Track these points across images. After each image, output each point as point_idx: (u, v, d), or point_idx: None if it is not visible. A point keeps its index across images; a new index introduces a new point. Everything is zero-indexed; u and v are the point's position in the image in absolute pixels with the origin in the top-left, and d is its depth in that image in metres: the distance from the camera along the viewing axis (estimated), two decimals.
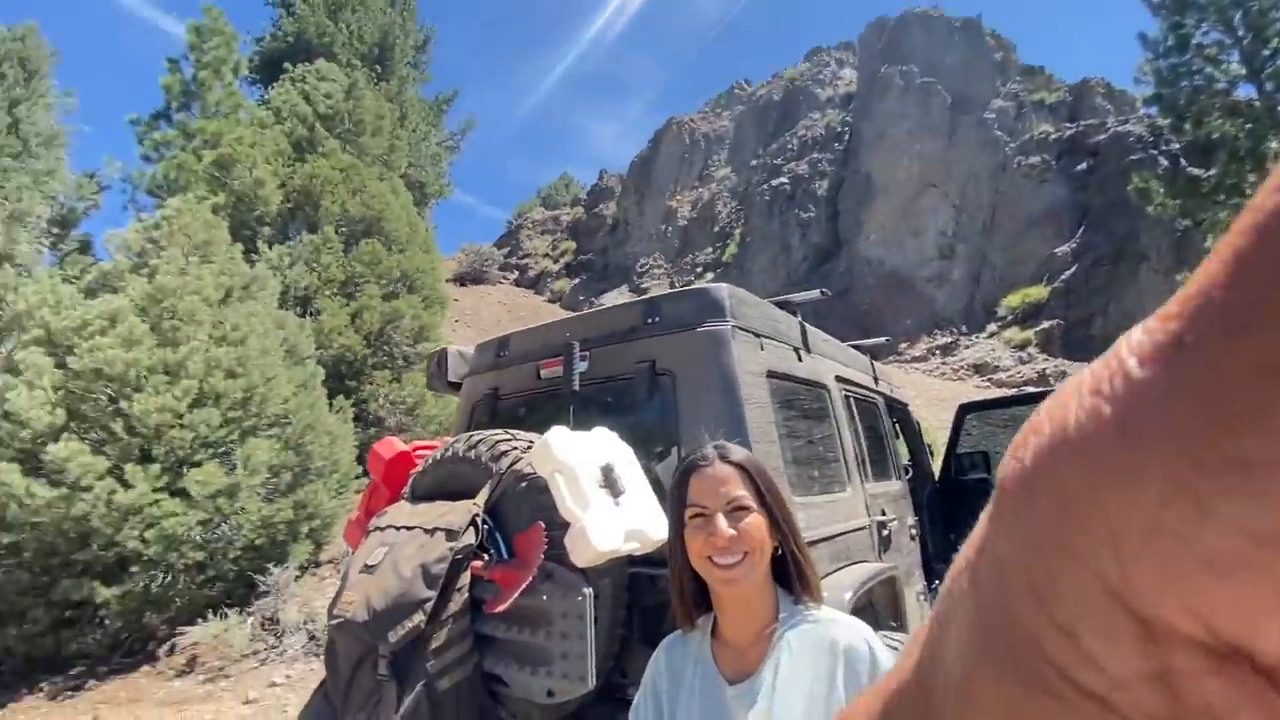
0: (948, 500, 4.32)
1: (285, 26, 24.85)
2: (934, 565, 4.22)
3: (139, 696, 5.95)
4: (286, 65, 18.23)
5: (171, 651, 6.79)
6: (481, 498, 1.98)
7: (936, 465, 4.67)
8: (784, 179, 29.72)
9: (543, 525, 1.83)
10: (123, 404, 7.14)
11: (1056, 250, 23.10)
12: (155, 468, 6.98)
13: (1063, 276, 22.33)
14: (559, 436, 1.88)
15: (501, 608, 1.72)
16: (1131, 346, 0.17)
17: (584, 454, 1.89)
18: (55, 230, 16.30)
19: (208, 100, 18.55)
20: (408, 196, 15.22)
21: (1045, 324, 21.43)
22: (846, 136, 29.88)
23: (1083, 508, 0.16)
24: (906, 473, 4.50)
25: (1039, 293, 22.48)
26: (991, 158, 25.78)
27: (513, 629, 1.77)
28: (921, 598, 3.48)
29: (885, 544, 2.98)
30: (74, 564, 6.63)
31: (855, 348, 3.93)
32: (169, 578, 6.91)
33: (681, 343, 2.35)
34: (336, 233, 12.84)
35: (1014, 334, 21.83)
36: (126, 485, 6.73)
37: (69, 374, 7.03)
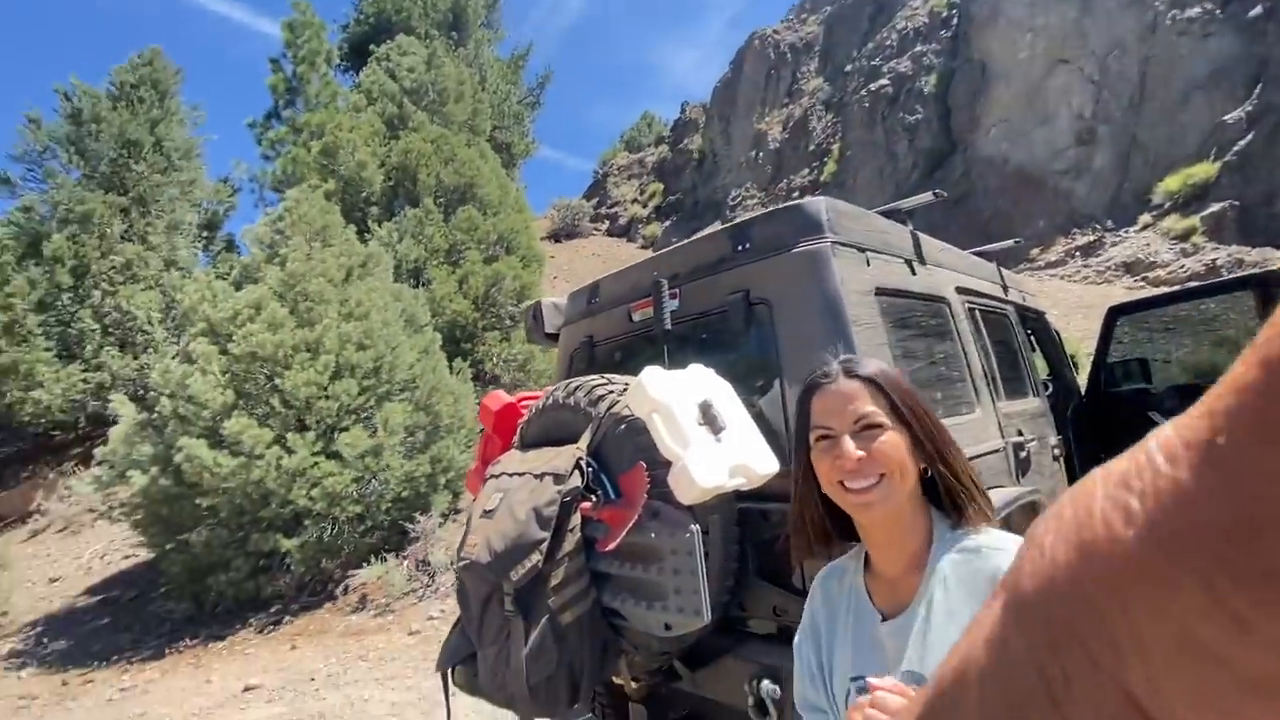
0: (1098, 415, 3.86)
1: (365, 9, 25.63)
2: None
3: (325, 629, 6.89)
4: (371, 47, 18.90)
5: (345, 591, 7.76)
6: (584, 442, 1.99)
7: (1083, 378, 4.18)
8: (884, 81, 27.09)
9: (644, 465, 1.80)
10: (277, 381, 8.01)
11: (1226, 117, 19.51)
12: (310, 435, 7.84)
13: (1235, 148, 18.91)
14: (653, 377, 1.82)
15: (610, 546, 1.73)
16: (1161, 443, 0.18)
17: (680, 392, 1.83)
18: (205, 234, 18.35)
19: (308, 93, 19.72)
20: (496, 160, 15.52)
21: (1214, 207, 18.37)
22: (954, 21, 26.51)
23: (1107, 610, 0.16)
24: (1046, 388, 4.08)
25: (1205, 170, 19.23)
26: (1138, 18, 21.91)
27: (626, 566, 1.78)
28: None
29: (1024, 466, 2.71)
30: (260, 520, 7.68)
31: (979, 254, 3.53)
32: (335, 528, 7.84)
33: (776, 267, 2.19)
34: (435, 204, 13.40)
35: (1173, 223, 18.94)
36: (290, 451, 7.63)
37: (231, 359, 7.95)
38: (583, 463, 1.91)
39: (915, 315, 2.43)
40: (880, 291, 2.24)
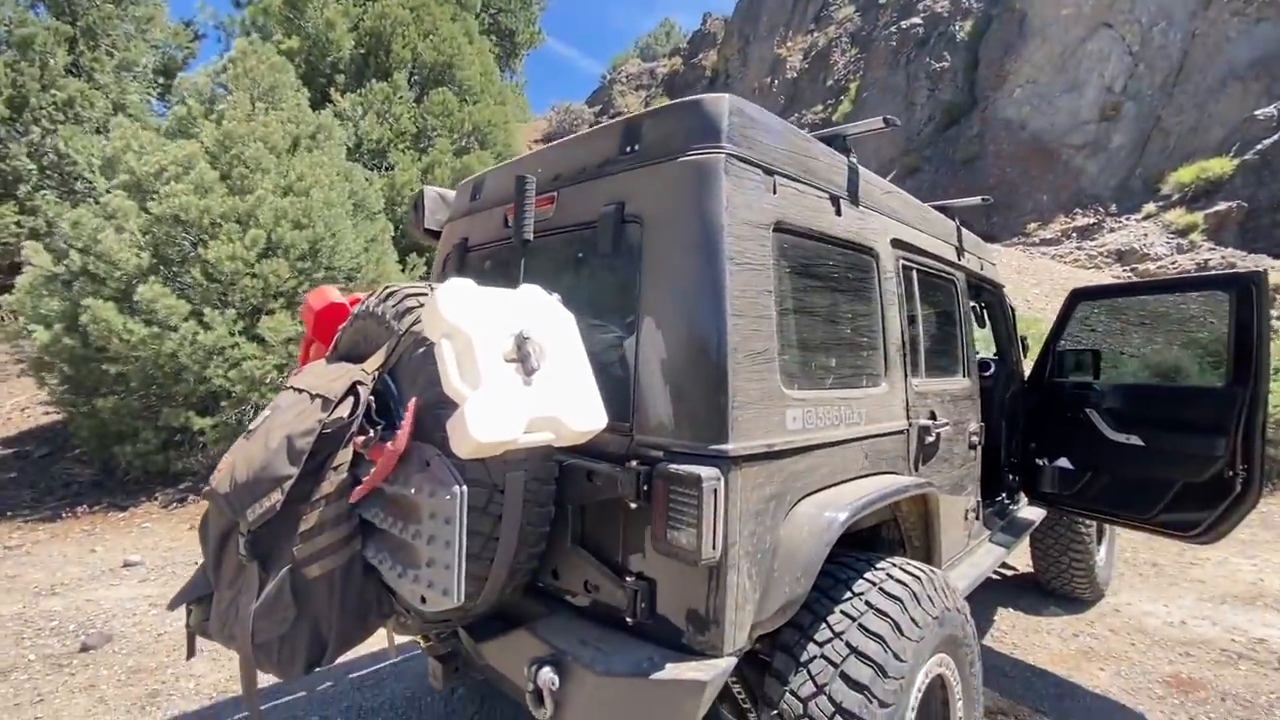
0: (1036, 404, 3.58)
1: None
2: (1003, 477, 3.60)
3: None
4: None
5: None
6: (373, 362, 1.61)
7: (1031, 362, 3.86)
8: (917, 20, 25.35)
9: (419, 401, 1.43)
10: (200, 251, 7.42)
11: (1258, 112, 18.67)
12: (231, 313, 7.35)
13: (1258, 146, 18.19)
14: (453, 292, 1.42)
15: (355, 496, 1.38)
16: None
17: (490, 317, 1.44)
18: (161, 80, 16.85)
19: None
20: (483, 43, 14.22)
21: (1221, 205, 17.86)
22: None
23: None
24: (987, 369, 3.76)
25: (1222, 166, 18.56)
26: None
27: (390, 521, 1.45)
28: (972, 515, 2.93)
29: (927, 453, 2.41)
30: (173, 396, 7.31)
31: (941, 209, 3.09)
32: (254, 413, 7.50)
33: (656, 177, 1.76)
34: (409, 82, 12.31)
35: (1177, 216, 18.43)
36: (207, 327, 7.16)
37: (151, 219, 7.31)
38: (361, 388, 1.53)
39: (828, 265, 2.03)
40: (783, 228, 1.82)
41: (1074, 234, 20.13)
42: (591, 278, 1.93)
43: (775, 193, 1.81)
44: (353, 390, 1.53)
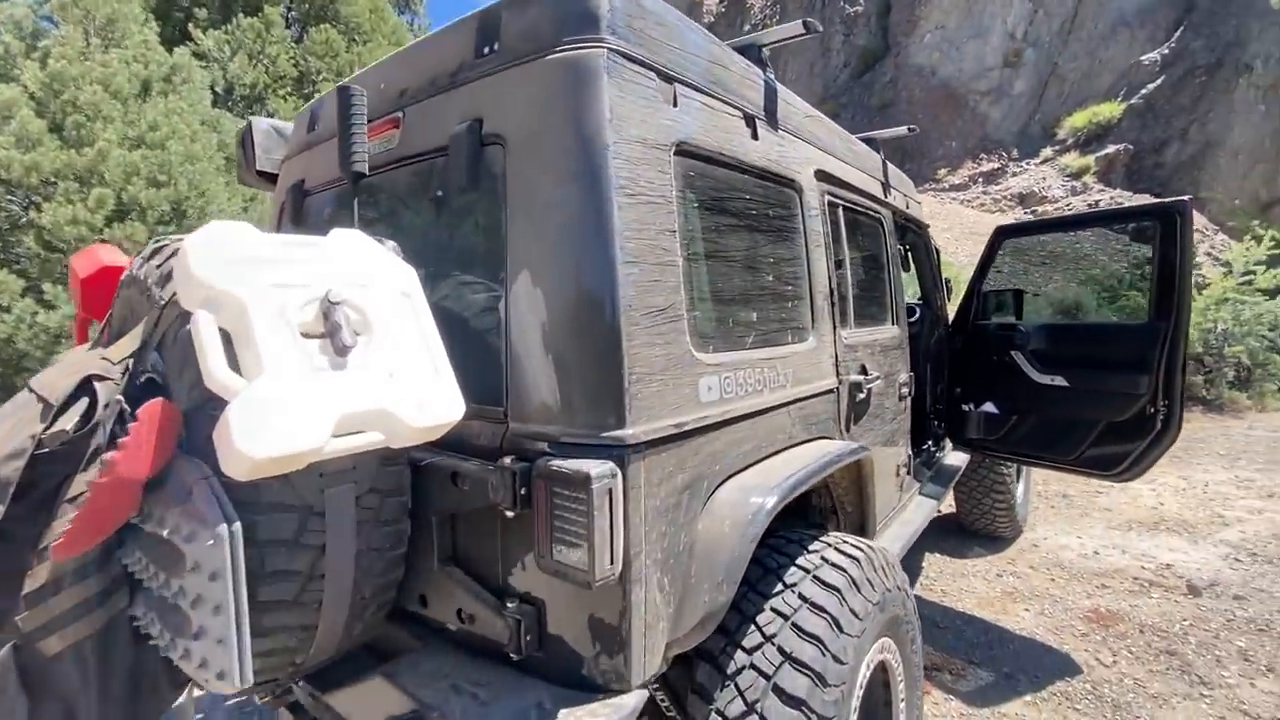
0: (963, 349, 3.46)
1: None
2: (929, 425, 3.48)
3: None
4: None
5: None
6: (123, 347, 1.15)
7: (955, 306, 3.73)
8: None
9: (166, 405, 1.01)
10: (34, 215, 6.31)
11: (1143, 58, 19.70)
12: None
13: (1143, 91, 19.27)
14: (212, 241, 0.99)
15: (58, 551, 0.96)
16: None
17: (276, 276, 1.02)
18: None
19: None
20: None
21: (1110, 149, 18.91)
22: None
23: None
24: (912, 314, 3.59)
25: (1111, 110, 19.58)
26: None
27: (149, 571, 1.03)
28: (903, 469, 2.76)
29: (858, 411, 2.17)
30: (15, 389, 6.29)
31: (866, 140, 2.81)
32: None
33: (518, 83, 1.34)
34: (286, 19, 10.93)
35: (1071, 160, 19.41)
36: (49, 306, 6.14)
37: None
38: (100, 385, 1.08)
39: (744, 199, 1.69)
40: (688, 151, 1.46)
41: (980, 179, 20.89)
42: (449, 221, 1.52)
43: (676, 105, 1.44)
44: (86, 388, 1.08)
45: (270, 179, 2.24)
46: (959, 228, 16.87)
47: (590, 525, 1.12)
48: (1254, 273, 8.66)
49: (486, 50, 1.42)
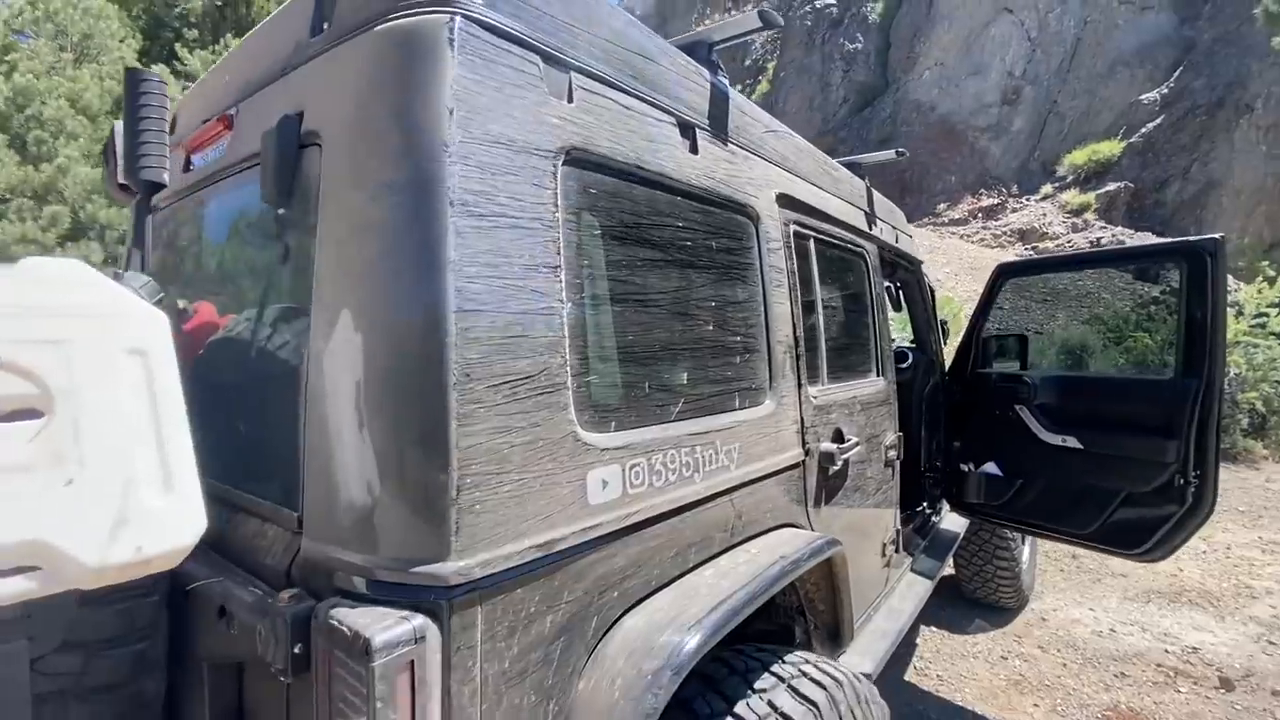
0: (960, 399, 3.06)
1: None
2: (923, 486, 3.07)
3: None
4: None
5: None
6: None
7: (953, 350, 3.35)
8: (831, 0, 25.35)
9: None
10: None
11: (1143, 97, 19.71)
12: None
13: (1143, 130, 19.22)
14: None
15: None
16: None
17: None
18: None
19: None
20: None
21: (1111, 186, 18.79)
22: None
23: None
24: (903, 360, 3.21)
25: (1111, 148, 19.52)
26: None
27: None
28: (890, 546, 2.34)
29: (833, 486, 1.77)
30: None
31: (849, 165, 2.46)
32: None
33: (343, 64, 0.98)
34: None
35: (1071, 197, 19.27)
36: None
37: None
38: None
39: (672, 225, 1.32)
40: (582, 160, 1.09)
41: (980, 214, 20.74)
42: (261, 249, 1.15)
43: (570, 98, 1.07)
44: None
45: (129, 192, 1.89)
46: (958, 263, 16.63)
47: (373, 718, 0.72)
48: (1267, 315, 8.31)
49: (321, 29, 1.06)
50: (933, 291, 3.33)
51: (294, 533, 0.93)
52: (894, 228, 2.75)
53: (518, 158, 0.96)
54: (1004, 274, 3.00)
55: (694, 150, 1.37)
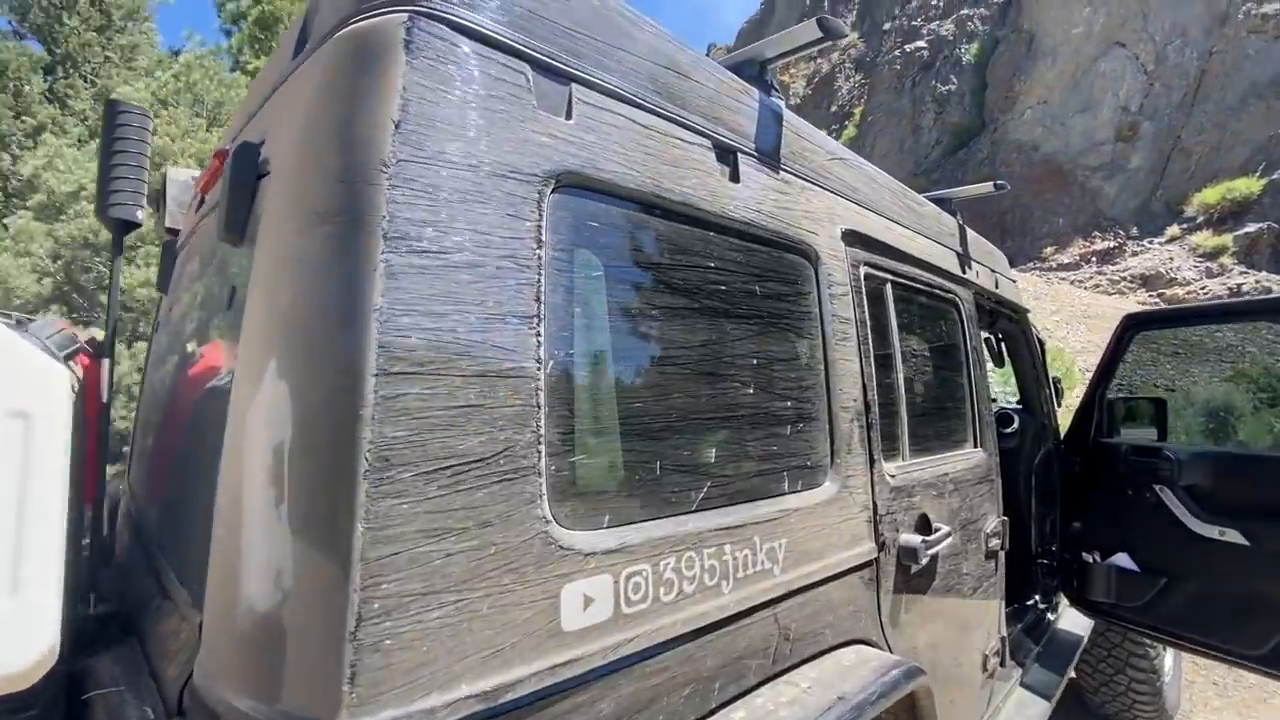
0: (1081, 473, 2.57)
1: None
2: (1034, 576, 2.58)
3: None
4: None
5: None
6: None
7: (1068, 415, 2.86)
8: (922, 43, 24.84)
9: None
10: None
11: None
12: (144, 346, 6.53)
13: None
14: None
15: None
16: None
17: None
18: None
19: None
20: None
21: (1251, 227, 16.81)
22: None
23: None
24: (1007, 424, 2.76)
25: (1248, 186, 17.58)
26: (1207, 6, 19.76)
27: None
28: (993, 659, 1.91)
29: (916, 589, 1.42)
30: None
31: (937, 200, 2.15)
32: None
33: (301, 79, 0.84)
34: None
35: (1203, 239, 17.38)
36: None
37: (58, 244, 6.56)
38: None
39: (703, 266, 1.08)
40: (580, 185, 0.88)
41: (1093, 258, 19.09)
42: (220, 294, 1.01)
43: (569, 114, 0.88)
44: None
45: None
46: (1069, 311, 15.25)
47: None
48: None
49: (300, 48, 0.94)
50: (1042, 344, 2.87)
51: (195, 643, 0.74)
52: (993, 271, 2.38)
53: (488, 183, 0.77)
54: (1134, 326, 2.52)
55: (734, 178, 1.14)
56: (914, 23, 26.11)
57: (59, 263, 6.66)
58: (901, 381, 1.54)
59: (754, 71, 1.33)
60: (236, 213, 0.88)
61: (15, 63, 13.70)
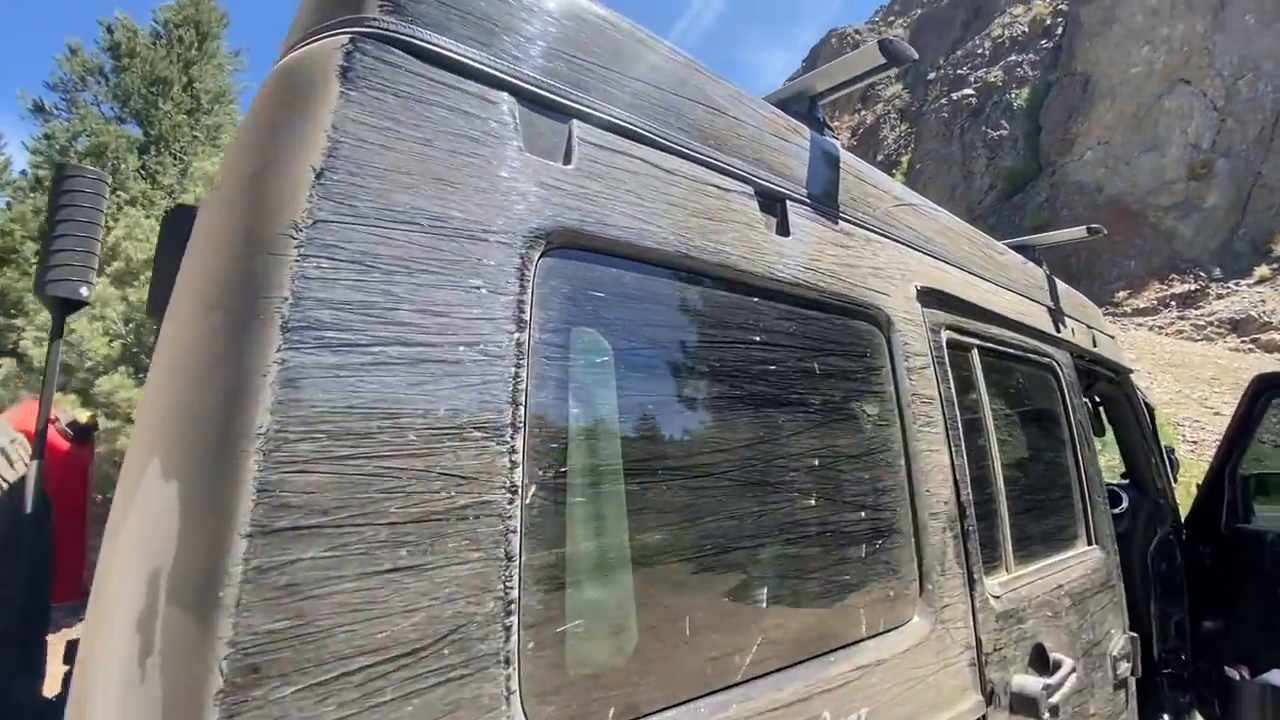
0: (1212, 564, 2.14)
1: None
2: (1161, 694, 2.13)
3: None
4: None
5: None
6: None
7: (1186, 493, 2.43)
8: (969, 91, 24.62)
9: None
10: None
11: None
12: None
13: None
14: None
15: None
16: None
17: None
18: None
19: None
20: None
21: None
22: (1059, 30, 23.82)
23: None
24: (1116, 504, 2.36)
25: None
26: (1279, 37, 18.92)
27: None
28: None
29: None
30: None
31: (1019, 248, 1.88)
32: None
33: (245, 122, 0.67)
34: None
35: None
36: None
37: (130, 307, 6.90)
38: None
39: (746, 340, 0.85)
40: (574, 245, 0.68)
41: (1173, 302, 17.88)
42: None
43: (568, 158, 0.68)
44: None
45: None
46: (1151, 360, 14.18)
47: None
48: None
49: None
50: (1150, 408, 2.47)
51: None
52: (1089, 327, 2.05)
53: (449, 246, 0.57)
54: (1269, 388, 2.13)
55: (783, 230, 0.92)
56: (959, 71, 25.99)
57: (130, 325, 6.99)
58: (999, 471, 1.24)
59: (803, 108, 1.13)
60: (157, 285, 0.71)
61: (115, 143, 15.08)
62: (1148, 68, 20.05)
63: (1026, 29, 25.25)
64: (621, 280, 0.73)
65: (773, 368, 0.86)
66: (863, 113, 30.84)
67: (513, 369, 0.59)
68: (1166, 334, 16.22)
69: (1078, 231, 1.95)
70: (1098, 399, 2.44)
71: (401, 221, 0.55)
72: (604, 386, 0.69)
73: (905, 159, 26.60)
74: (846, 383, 0.97)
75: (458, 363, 0.55)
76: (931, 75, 28.00)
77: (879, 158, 28.45)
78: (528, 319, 0.61)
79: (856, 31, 33.17)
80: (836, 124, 31.43)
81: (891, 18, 33.70)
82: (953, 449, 1.08)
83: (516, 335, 0.60)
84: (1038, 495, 1.47)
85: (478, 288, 0.58)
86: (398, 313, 0.53)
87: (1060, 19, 24.30)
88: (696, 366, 0.79)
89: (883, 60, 1.06)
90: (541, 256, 0.64)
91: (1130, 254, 18.93)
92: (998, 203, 22.55)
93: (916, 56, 1.10)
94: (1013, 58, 24.42)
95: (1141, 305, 17.73)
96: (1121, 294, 18.20)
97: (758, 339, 0.86)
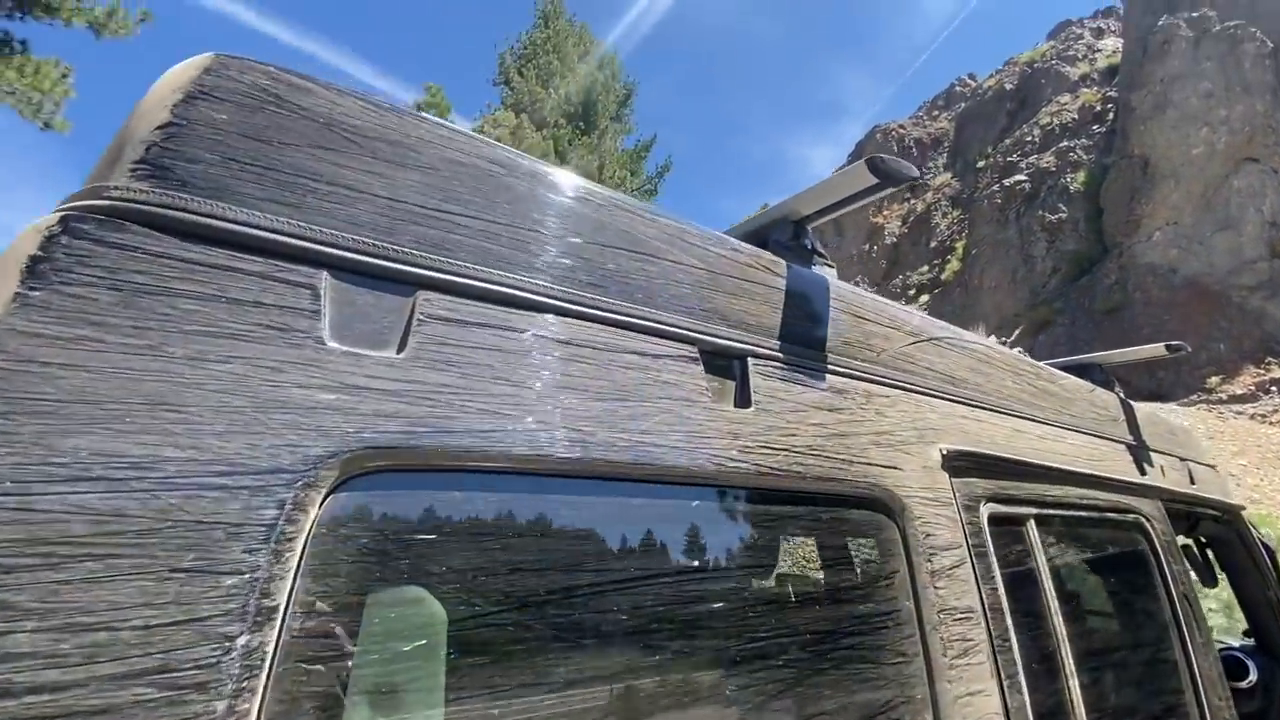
0: None
1: (504, 100, 26.34)
2: None
3: None
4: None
5: None
6: None
7: None
8: (1021, 177, 24.42)
9: None
10: None
11: None
12: None
13: None
14: None
15: None
16: None
17: None
18: None
19: None
20: None
21: None
22: (1110, 115, 23.66)
23: None
24: (1241, 675, 1.89)
25: None
26: None
27: None
28: None
29: None
30: None
31: (1071, 369, 1.59)
32: None
33: None
34: None
35: None
36: None
37: None
38: None
39: (680, 589, 0.62)
40: (390, 465, 0.48)
41: (1272, 387, 16.26)
42: None
43: (403, 344, 0.50)
44: None
45: None
46: (1256, 452, 12.74)
47: None
48: None
49: None
50: (1270, 551, 2.01)
51: None
52: (1183, 460, 1.68)
53: (153, 505, 0.38)
54: None
55: (742, 400, 0.71)
56: (1009, 159, 25.92)
57: None
58: (1079, 698, 0.91)
59: (785, 236, 0.94)
60: None
61: None
62: (1209, 148, 19.45)
63: (1076, 116, 25.22)
64: (474, 503, 0.52)
65: (719, 606, 0.62)
66: (913, 201, 30.97)
67: (243, 674, 0.38)
68: (1270, 422, 14.65)
69: (1156, 349, 1.64)
70: (1203, 539, 2.01)
71: (73, 479, 0.37)
72: (425, 677, 0.47)
73: (960, 244, 26.25)
74: (839, 608, 0.71)
75: (143, 694, 0.35)
76: (980, 164, 28.09)
77: (931, 244, 28.17)
78: (292, 589, 0.41)
79: (900, 126, 33.97)
80: (885, 212, 31.46)
81: (936, 112, 34.47)
82: (1005, 686, 0.78)
83: (250, 638, 0.39)
84: (1130, 700, 1.10)
85: (198, 566, 0.39)
86: (60, 611, 0.34)
87: (1110, 104, 24.21)
88: (602, 625, 0.56)
89: (874, 180, 0.87)
90: (331, 492, 0.45)
91: (1217, 337, 17.59)
92: (1063, 285, 21.68)
93: (916, 174, 0.91)
94: (1065, 143, 24.27)
95: (1238, 391, 16.21)
96: (1214, 379, 16.75)
97: (698, 564, 0.62)
